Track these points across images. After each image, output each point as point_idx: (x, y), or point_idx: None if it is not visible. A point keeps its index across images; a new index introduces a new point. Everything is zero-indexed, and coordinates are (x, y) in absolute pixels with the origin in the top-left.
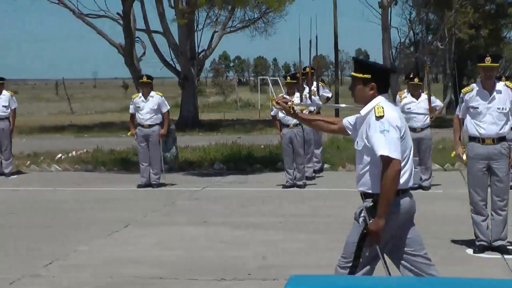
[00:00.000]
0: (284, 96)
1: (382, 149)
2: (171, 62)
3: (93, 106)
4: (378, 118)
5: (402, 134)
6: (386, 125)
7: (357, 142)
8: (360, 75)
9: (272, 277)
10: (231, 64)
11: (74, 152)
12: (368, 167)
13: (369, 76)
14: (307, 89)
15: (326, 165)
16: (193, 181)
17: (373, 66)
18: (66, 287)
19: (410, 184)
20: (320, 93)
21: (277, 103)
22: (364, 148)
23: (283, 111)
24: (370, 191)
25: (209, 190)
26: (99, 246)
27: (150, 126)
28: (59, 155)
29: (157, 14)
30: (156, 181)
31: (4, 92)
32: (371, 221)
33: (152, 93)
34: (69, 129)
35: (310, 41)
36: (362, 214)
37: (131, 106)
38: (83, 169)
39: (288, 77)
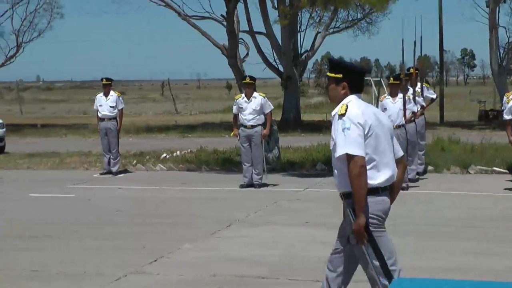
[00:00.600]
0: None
1: (343, 147)
2: (274, 63)
3: (197, 107)
4: (340, 116)
5: (366, 131)
6: (347, 123)
7: (331, 141)
8: (333, 75)
9: None
10: None
11: (178, 152)
12: (338, 167)
13: (341, 75)
14: (411, 90)
15: (429, 167)
16: (295, 181)
17: (344, 66)
18: (170, 284)
19: (391, 181)
20: (424, 94)
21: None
22: (334, 147)
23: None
24: (348, 190)
25: (311, 191)
26: (202, 244)
27: (252, 126)
28: (164, 155)
29: (261, 16)
30: (258, 182)
31: (112, 93)
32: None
33: (255, 94)
34: (173, 129)
35: (415, 42)
36: (350, 216)
37: (234, 107)
38: (187, 168)
39: (392, 78)
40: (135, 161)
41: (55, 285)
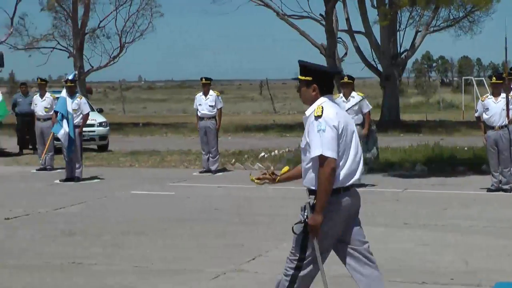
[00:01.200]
0: (263, 171)
1: (317, 148)
2: (372, 63)
3: (295, 106)
4: (316, 118)
5: (340, 133)
6: (323, 124)
7: (302, 140)
8: (303, 78)
9: (475, 283)
10: (434, 64)
11: (276, 151)
12: (310, 164)
13: (310, 78)
14: None
15: None
16: (394, 182)
17: (313, 68)
18: (268, 283)
19: (352, 181)
20: None
21: (259, 179)
22: (306, 146)
23: (269, 182)
24: (313, 188)
25: (410, 192)
26: None
27: None
28: (262, 154)
29: (359, 15)
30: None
31: (211, 92)
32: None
33: (353, 93)
34: (272, 128)
35: None
36: (306, 210)
37: None
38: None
39: (494, 77)
40: (233, 160)
41: (155, 281)
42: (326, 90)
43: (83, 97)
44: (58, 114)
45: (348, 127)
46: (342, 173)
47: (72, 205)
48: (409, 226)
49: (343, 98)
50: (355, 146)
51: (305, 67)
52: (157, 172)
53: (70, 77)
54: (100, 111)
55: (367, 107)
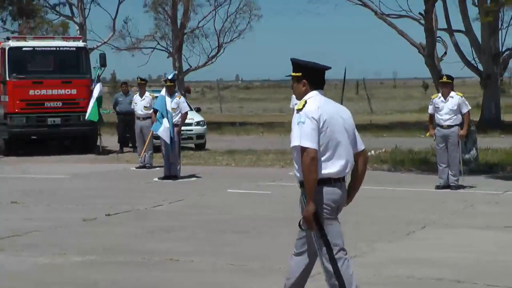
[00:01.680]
0: None
1: (297, 139)
2: (472, 62)
3: (392, 106)
4: (298, 111)
5: (321, 125)
6: (303, 117)
7: (291, 134)
8: (294, 74)
9: None
10: None
11: (373, 151)
12: (295, 155)
13: (300, 74)
14: None
15: None
16: (494, 184)
17: (302, 64)
18: (362, 284)
19: (343, 174)
20: None
21: None
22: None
23: None
24: (303, 179)
25: (510, 194)
26: (397, 245)
27: (449, 126)
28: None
29: (459, 13)
30: (455, 183)
31: (452, 93)
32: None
33: (452, 93)
34: (368, 128)
35: None
36: (302, 203)
37: (430, 107)
38: (381, 168)
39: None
40: None
41: (250, 280)
42: (316, 85)
43: (181, 96)
44: (158, 112)
45: (335, 121)
46: (329, 165)
47: (170, 203)
48: (509, 229)
49: (442, 98)
50: (345, 139)
51: (295, 64)
52: (253, 171)
53: (169, 77)
54: (198, 110)
55: (466, 107)
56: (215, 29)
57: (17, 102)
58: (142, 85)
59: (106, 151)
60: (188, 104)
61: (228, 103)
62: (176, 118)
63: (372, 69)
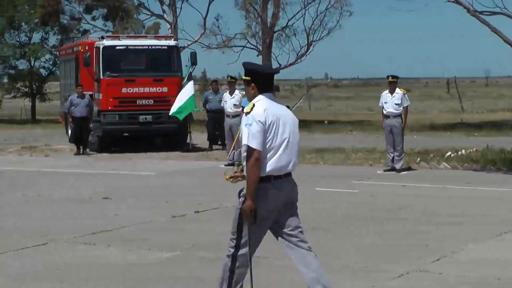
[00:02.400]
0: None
1: (244, 140)
2: None
3: (484, 105)
4: (246, 113)
5: (266, 127)
6: (250, 119)
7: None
8: (244, 78)
9: None
10: None
11: (463, 151)
12: (244, 155)
13: (249, 78)
14: None
15: None
16: None
17: (250, 69)
18: (452, 285)
19: (283, 172)
20: None
21: (232, 177)
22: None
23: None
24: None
25: None
26: (487, 246)
27: None
28: (449, 153)
29: None
30: None
31: (397, 90)
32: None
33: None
34: (459, 127)
35: None
36: (242, 196)
37: None
38: (471, 168)
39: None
40: (418, 159)
41: (335, 278)
42: (264, 89)
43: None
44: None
45: (279, 123)
46: (270, 164)
47: None
48: None
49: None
50: (288, 140)
51: (244, 68)
52: (341, 170)
53: None
54: (287, 108)
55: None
56: (304, 27)
57: (110, 99)
58: (232, 83)
59: (195, 149)
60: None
61: (317, 101)
62: None
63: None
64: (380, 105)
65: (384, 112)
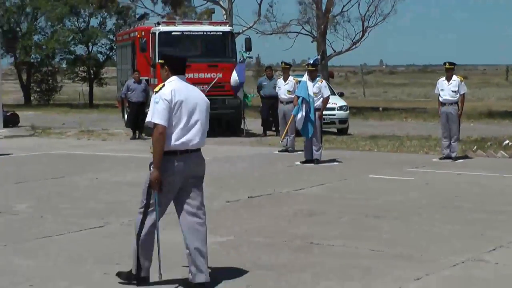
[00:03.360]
0: None
1: (150, 116)
2: None
3: None
4: (155, 92)
5: (172, 105)
6: (157, 97)
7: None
8: (159, 62)
9: None
10: None
11: None
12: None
13: (163, 61)
14: None
15: None
16: None
17: (164, 55)
18: (507, 275)
19: (187, 147)
20: None
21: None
22: None
23: None
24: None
25: None
26: None
27: None
28: (506, 141)
29: None
30: None
31: (454, 77)
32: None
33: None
34: None
35: None
36: (150, 167)
37: None
38: None
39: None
40: (475, 147)
41: (390, 265)
42: (176, 71)
43: (323, 81)
44: (300, 98)
45: (187, 103)
46: (176, 139)
47: (311, 187)
48: None
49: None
50: (195, 118)
51: (161, 54)
52: (396, 157)
53: (311, 62)
54: (341, 95)
55: None
56: (359, 13)
57: None
58: (286, 69)
59: (249, 134)
60: (331, 89)
61: (371, 88)
62: (318, 103)
63: None
64: (436, 92)
65: (441, 99)
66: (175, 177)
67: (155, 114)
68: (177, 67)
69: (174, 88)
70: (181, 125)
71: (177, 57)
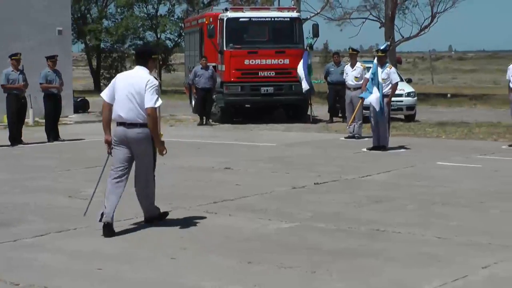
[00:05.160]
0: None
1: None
2: None
3: None
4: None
5: (112, 87)
6: (112, 81)
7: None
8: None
9: None
10: None
11: None
12: None
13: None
14: None
15: None
16: None
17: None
18: None
19: (119, 120)
20: None
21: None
22: None
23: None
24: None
25: None
26: None
27: None
28: None
29: None
30: None
31: None
32: None
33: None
34: None
35: None
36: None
37: None
38: None
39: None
40: None
41: (458, 252)
42: (138, 62)
43: (392, 67)
44: (368, 82)
45: (123, 86)
46: (116, 113)
47: (378, 173)
48: None
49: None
50: (124, 97)
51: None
52: (464, 144)
53: (381, 48)
54: (409, 81)
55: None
56: None
57: (233, 71)
58: (354, 55)
59: (316, 121)
60: (399, 75)
61: (440, 74)
62: (386, 89)
63: None
64: (507, 78)
65: (511, 85)
66: (117, 142)
67: (104, 91)
68: (140, 59)
69: (123, 75)
70: (115, 102)
71: (138, 50)
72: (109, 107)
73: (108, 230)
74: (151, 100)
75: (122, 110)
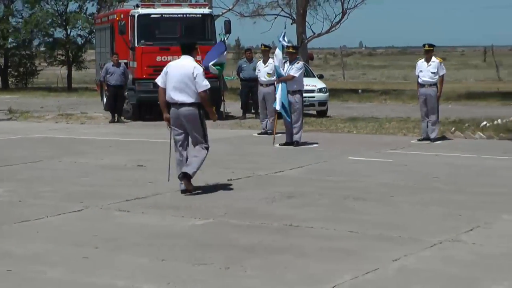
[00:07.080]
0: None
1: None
2: None
3: None
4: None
5: (164, 74)
6: (164, 69)
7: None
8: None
9: None
10: None
11: (499, 120)
12: None
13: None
14: None
15: None
16: None
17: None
18: (486, 255)
19: (171, 101)
20: None
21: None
22: None
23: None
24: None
25: None
26: None
27: None
28: (484, 123)
29: None
30: None
31: (433, 59)
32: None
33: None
34: (495, 96)
35: None
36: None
37: None
38: (507, 137)
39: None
40: (453, 128)
41: (368, 247)
42: (184, 52)
43: (300, 62)
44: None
45: (170, 72)
46: (168, 97)
47: (291, 169)
48: None
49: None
50: (175, 82)
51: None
52: (375, 139)
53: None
54: (321, 77)
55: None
56: None
57: (145, 68)
58: (266, 51)
59: (229, 117)
60: (311, 71)
61: (351, 70)
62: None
63: (502, 35)
64: (416, 73)
65: (420, 81)
66: (173, 121)
67: (158, 77)
68: (184, 51)
69: (174, 63)
70: (167, 87)
71: (181, 44)
72: (163, 91)
73: (183, 176)
74: (202, 85)
75: (175, 93)
